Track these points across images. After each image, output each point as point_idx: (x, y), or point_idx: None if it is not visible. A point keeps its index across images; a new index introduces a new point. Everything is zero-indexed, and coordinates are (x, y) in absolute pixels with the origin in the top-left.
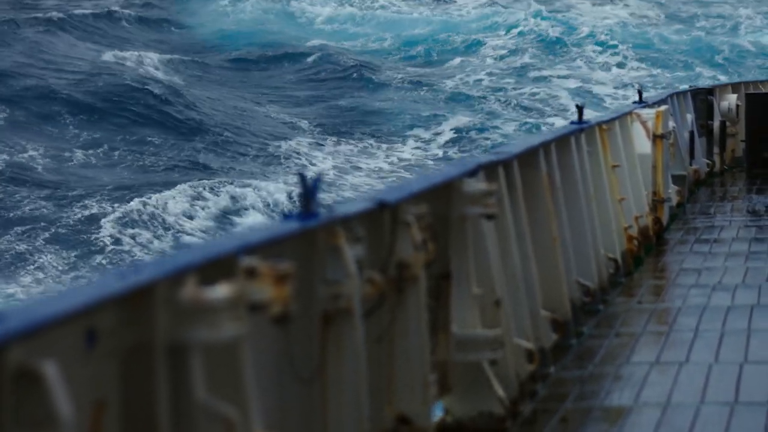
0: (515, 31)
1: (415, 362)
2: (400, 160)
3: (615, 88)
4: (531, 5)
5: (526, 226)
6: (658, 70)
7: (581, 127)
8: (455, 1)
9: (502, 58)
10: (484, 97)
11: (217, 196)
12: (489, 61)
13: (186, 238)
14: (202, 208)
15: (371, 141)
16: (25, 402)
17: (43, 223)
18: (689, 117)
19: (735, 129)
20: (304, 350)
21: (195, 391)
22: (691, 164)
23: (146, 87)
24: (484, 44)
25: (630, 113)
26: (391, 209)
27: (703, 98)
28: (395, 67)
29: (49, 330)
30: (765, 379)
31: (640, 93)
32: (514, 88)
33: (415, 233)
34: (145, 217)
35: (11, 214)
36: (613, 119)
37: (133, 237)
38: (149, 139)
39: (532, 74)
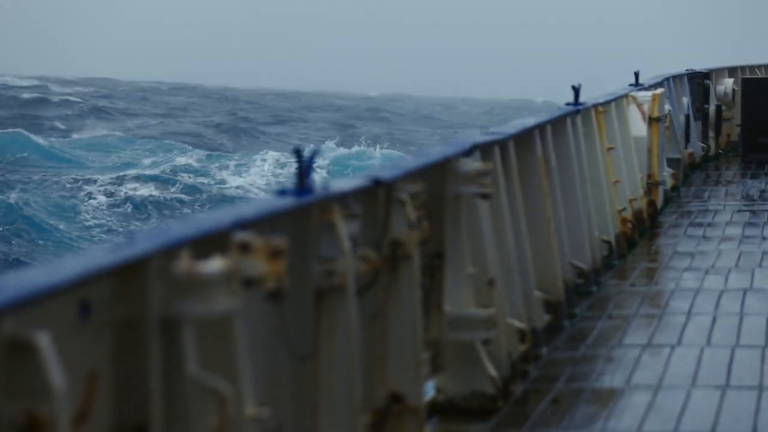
0: None
1: (408, 340)
2: None
3: None
4: None
5: (521, 206)
6: None
7: (577, 108)
8: None
9: None
10: None
11: None
12: None
13: None
14: None
15: None
16: (18, 373)
17: None
18: (685, 100)
19: (731, 113)
20: (298, 327)
21: (187, 365)
22: (686, 148)
23: None
24: None
25: (626, 96)
26: (386, 187)
27: (699, 82)
28: None
29: (42, 301)
30: (756, 362)
31: (636, 76)
32: None
33: (409, 211)
34: None
35: None
36: (609, 101)
37: None
38: None
39: None
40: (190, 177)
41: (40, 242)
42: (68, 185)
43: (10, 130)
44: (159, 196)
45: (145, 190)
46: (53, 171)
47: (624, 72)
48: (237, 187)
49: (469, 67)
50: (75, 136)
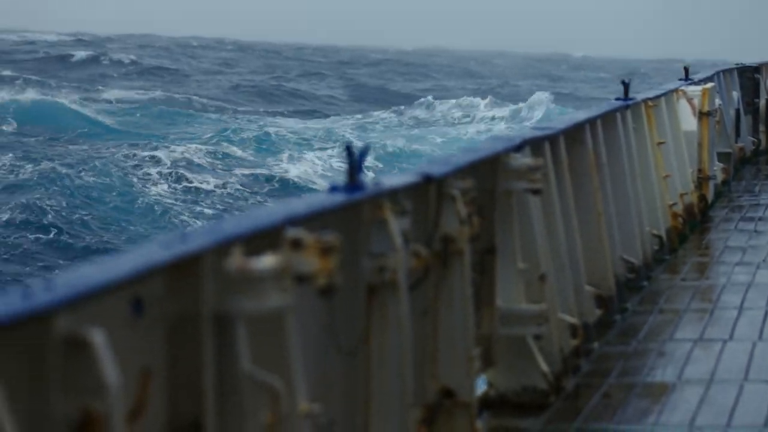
0: None
1: (459, 336)
2: None
3: None
4: None
5: (572, 201)
6: None
7: (627, 103)
8: None
9: None
10: None
11: None
12: None
13: None
14: None
15: None
16: (73, 370)
17: None
18: (735, 95)
19: None
20: (349, 323)
21: (240, 361)
22: (736, 142)
23: None
24: None
25: (676, 90)
26: (437, 183)
27: (749, 76)
28: None
29: (96, 298)
30: None
31: (686, 70)
32: None
33: (460, 207)
34: None
35: None
36: (659, 96)
37: None
38: None
39: None
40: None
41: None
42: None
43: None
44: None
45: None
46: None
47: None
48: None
49: (505, 20)
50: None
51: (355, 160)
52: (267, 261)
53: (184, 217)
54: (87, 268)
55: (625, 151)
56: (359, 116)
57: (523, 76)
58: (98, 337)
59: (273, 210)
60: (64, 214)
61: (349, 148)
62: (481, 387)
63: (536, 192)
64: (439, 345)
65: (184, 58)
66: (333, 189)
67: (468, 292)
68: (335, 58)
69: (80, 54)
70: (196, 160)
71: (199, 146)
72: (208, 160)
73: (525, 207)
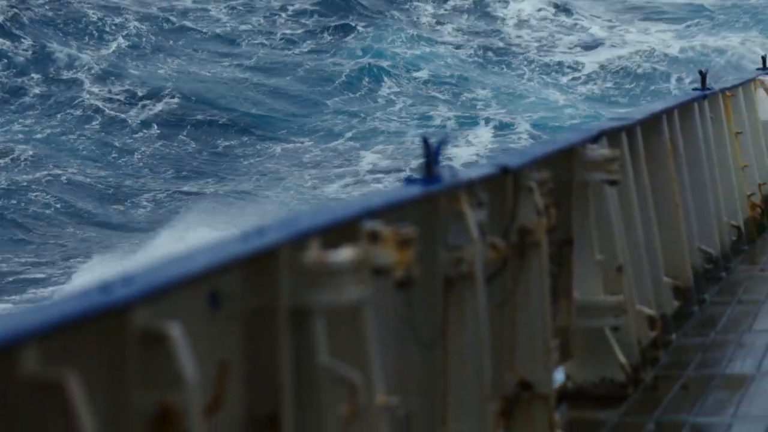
0: None
1: (537, 328)
2: None
3: None
4: None
5: (649, 192)
6: None
7: (704, 93)
8: None
9: None
10: None
11: None
12: None
13: None
14: None
15: None
16: (152, 363)
17: None
18: None
19: None
20: (426, 315)
21: (318, 355)
22: None
23: None
24: None
25: (754, 80)
26: (514, 174)
27: None
28: None
29: (173, 292)
30: None
31: (764, 59)
32: None
33: (537, 199)
34: None
35: None
36: (736, 86)
37: None
38: None
39: None
40: None
41: None
42: None
43: None
44: None
45: None
46: None
47: None
48: None
49: None
50: None
51: (432, 152)
52: (344, 254)
53: None
54: (164, 262)
55: (703, 142)
56: None
57: None
58: (176, 331)
59: (350, 203)
60: None
61: (425, 140)
62: (559, 379)
63: (613, 183)
64: (517, 337)
65: None
66: (410, 181)
67: (545, 284)
68: None
69: None
70: None
71: None
72: None
73: (602, 198)
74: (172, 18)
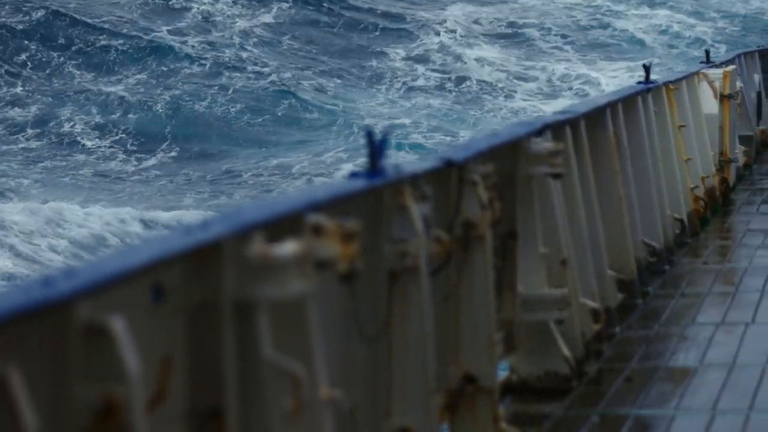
0: None
1: (481, 321)
2: None
3: None
4: None
5: (593, 185)
6: None
7: (648, 86)
8: None
9: None
10: None
11: None
12: None
13: None
14: None
15: None
16: (94, 357)
17: None
18: (757, 77)
19: None
20: (371, 308)
21: (262, 348)
22: (758, 125)
23: None
24: None
25: (697, 73)
26: (458, 168)
27: None
28: None
29: (116, 285)
30: None
31: (707, 53)
32: None
33: (481, 192)
34: None
35: None
36: (680, 79)
37: None
38: None
39: None
40: None
41: None
42: None
43: None
44: None
45: None
46: None
47: None
48: None
49: None
50: None
51: (376, 146)
52: (288, 247)
53: None
54: (107, 255)
55: (647, 135)
56: None
57: None
58: (118, 325)
59: (294, 196)
60: None
61: (369, 134)
62: (503, 372)
63: (557, 176)
64: (461, 330)
65: None
66: (354, 175)
67: (489, 278)
68: None
69: None
70: None
71: None
72: None
73: (546, 191)
74: None
